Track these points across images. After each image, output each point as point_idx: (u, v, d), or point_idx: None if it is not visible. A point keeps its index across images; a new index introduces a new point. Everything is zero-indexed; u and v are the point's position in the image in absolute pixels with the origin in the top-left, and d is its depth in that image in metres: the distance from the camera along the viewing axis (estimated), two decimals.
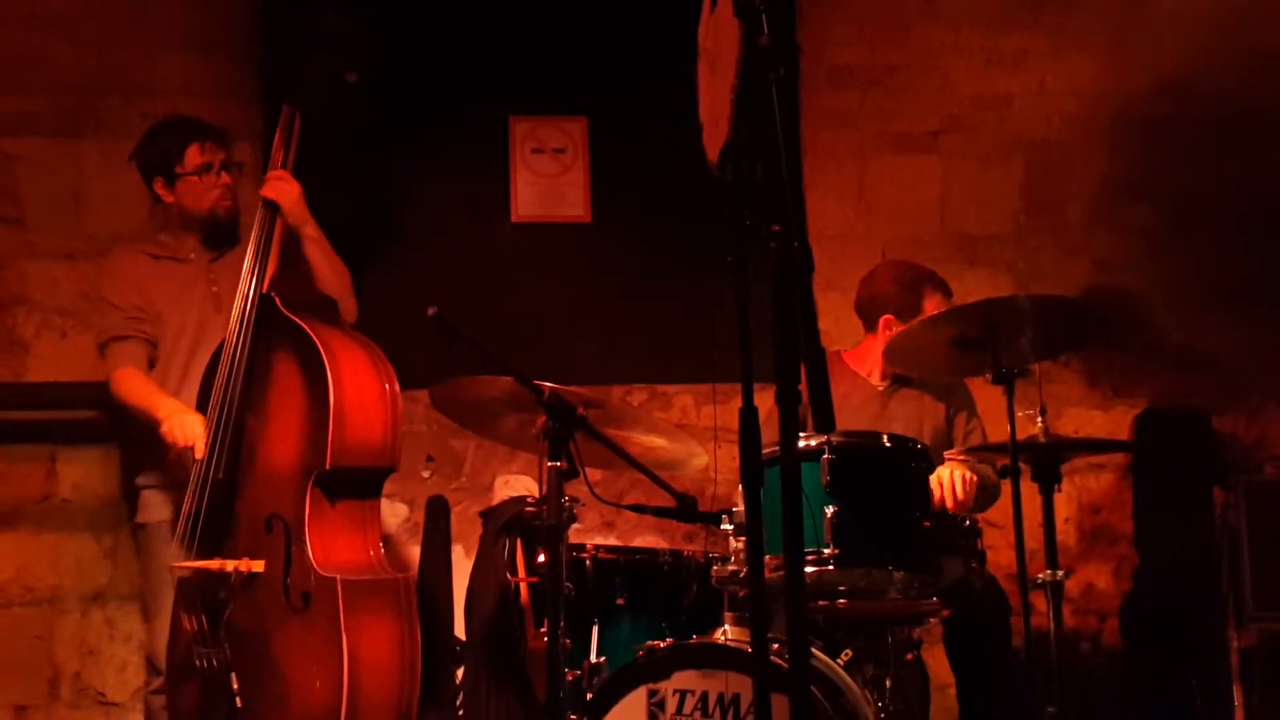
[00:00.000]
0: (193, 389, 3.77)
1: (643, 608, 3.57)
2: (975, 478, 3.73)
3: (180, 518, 3.61)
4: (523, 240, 4.86)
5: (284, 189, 3.82)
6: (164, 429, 3.65)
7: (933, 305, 4.06)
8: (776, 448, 2.21)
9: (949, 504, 3.63)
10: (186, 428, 3.61)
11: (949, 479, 3.66)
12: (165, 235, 4.04)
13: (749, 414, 2.24)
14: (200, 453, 3.58)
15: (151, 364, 3.92)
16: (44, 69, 4.72)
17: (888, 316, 4.10)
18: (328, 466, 3.46)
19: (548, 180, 4.89)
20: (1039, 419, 3.49)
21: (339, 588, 3.38)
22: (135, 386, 3.85)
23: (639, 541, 4.68)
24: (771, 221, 2.19)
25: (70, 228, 4.72)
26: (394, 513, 4.67)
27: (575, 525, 3.32)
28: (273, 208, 3.81)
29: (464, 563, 4.28)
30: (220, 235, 4.01)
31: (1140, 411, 5.01)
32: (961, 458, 3.76)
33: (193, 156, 3.93)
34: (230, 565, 3.49)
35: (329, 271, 3.91)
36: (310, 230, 3.88)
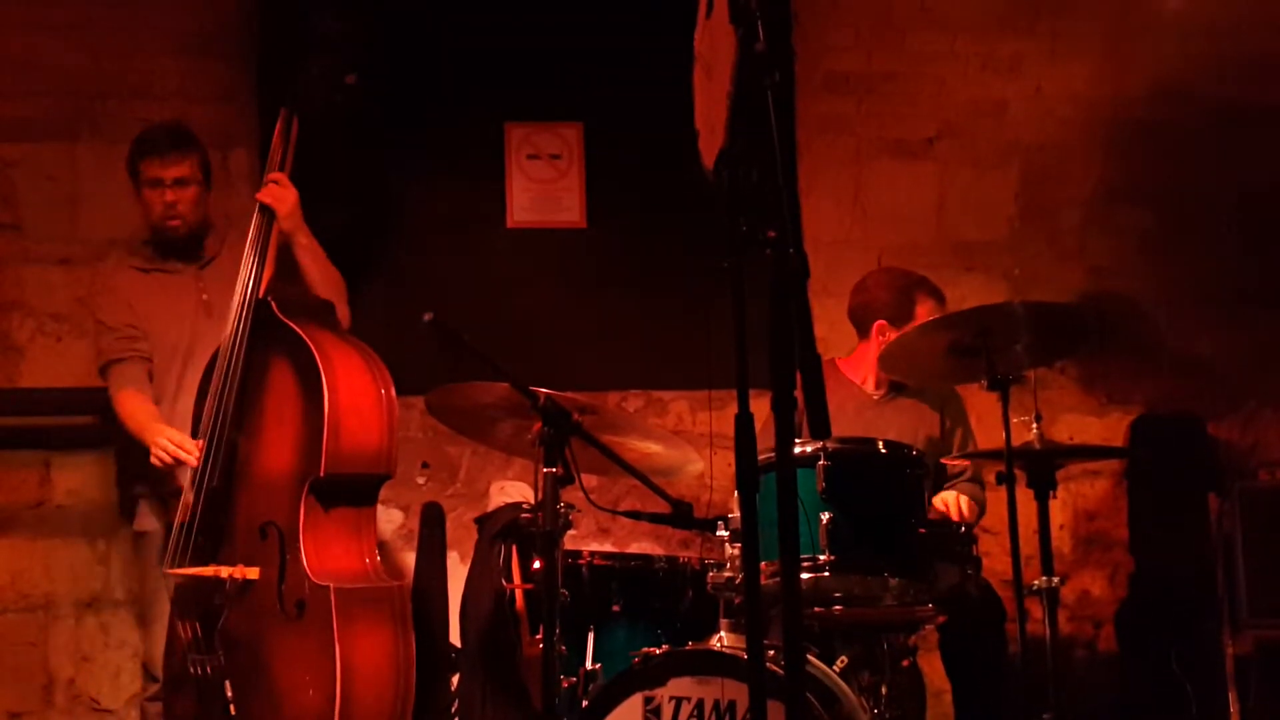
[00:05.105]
0: (187, 400, 3.76)
1: (638, 614, 3.57)
2: (977, 507, 3.81)
3: (175, 525, 3.60)
4: (518, 246, 4.85)
5: (280, 195, 3.81)
6: (151, 458, 3.66)
7: (925, 311, 4.06)
8: (772, 454, 2.21)
9: (952, 517, 3.69)
10: (170, 447, 3.61)
11: (954, 501, 3.71)
12: (151, 246, 4.03)
13: (745, 420, 2.24)
14: (194, 461, 3.57)
15: (151, 378, 3.92)
16: (40, 73, 4.71)
17: (881, 323, 4.10)
18: (322, 473, 3.45)
19: (543, 186, 4.89)
20: (1034, 425, 3.49)
21: (333, 596, 3.36)
22: (131, 411, 3.85)
23: (635, 548, 4.68)
24: (767, 227, 2.19)
25: (66, 233, 4.71)
26: (389, 519, 4.67)
27: (571, 531, 3.31)
28: (268, 213, 3.79)
29: (459, 569, 4.27)
30: (177, 249, 3.98)
31: (1135, 418, 5.01)
32: (960, 465, 3.78)
33: (148, 168, 3.91)
34: (225, 572, 3.47)
35: (321, 280, 3.89)
36: (303, 238, 3.86)
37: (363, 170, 4.73)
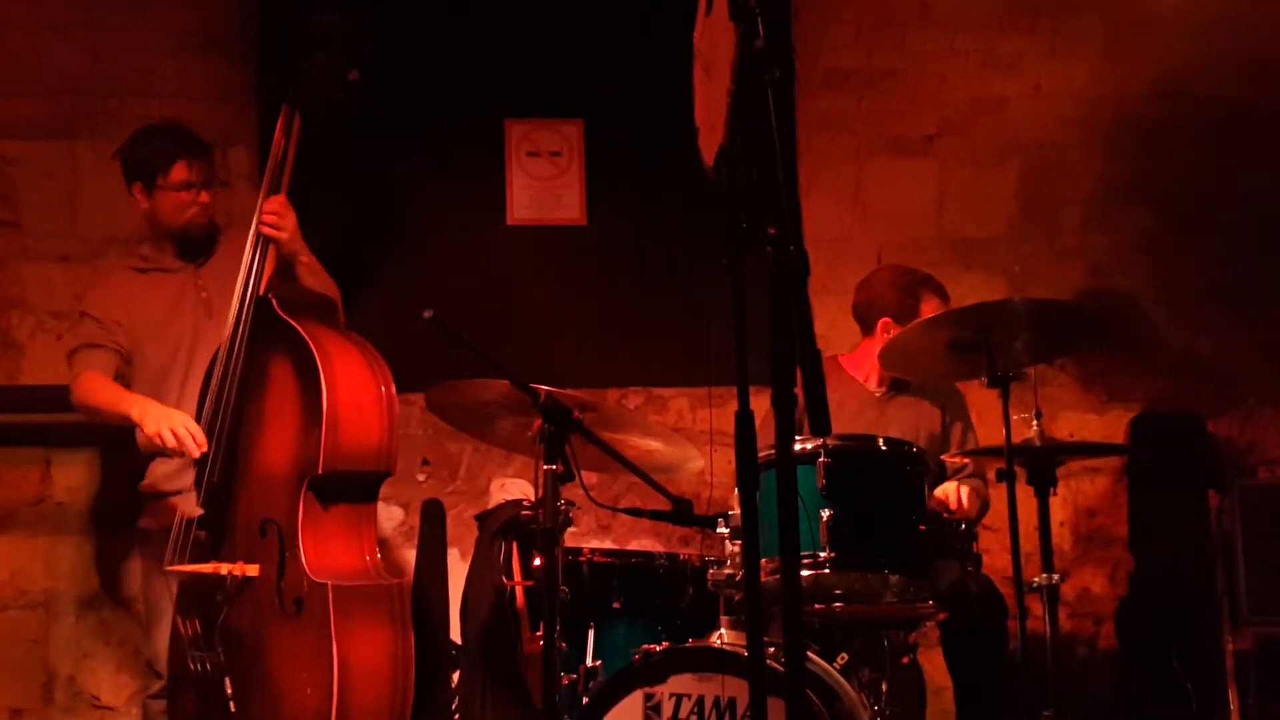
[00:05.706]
0: (193, 399, 3.75)
1: (639, 611, 3.57)
2: (978, 499, 3.81)
3: (176, 522, 3.60)
4: (518, 243, 4.86)
5: (280, 224, 3.74)
6: (152, 433, 3.61)
7: (930, 309, 4.06)
8: (772, 451, 2.21)
9: (951, 506, 3.68)
10: (181, 434, 3.57)
11: (954, 491, 3.72)
12: (147, 246, 4.00)
13: (745, 417, 2.24)
14: (195, 453, 3.56)
15: (118, 376, 3.86)
16: (40, 72, 4.71)
17: (885, 320, 4.10)
18: (321, 470, 3.44)
19: (543, 183, 4.89)
20: (1034, 422, 3.50)
21: (330, 593, 3.36)
22: (100, 389, 3.81)
23: (635, 545, 4.68)
24: (767, 225, 2.19)
25: (65, 230, 4.71)
26: (389, 516, 4.67)
27: (571, 529, 3.32)
28: (269, 241, 3.75)
29: (460, 567, 4.28)
30: (195, 248, 3.96)
31: (1135, 415, 5.01)
32: (960, 462, 3.78)
33: (179, 172, 3.86)
34: (225, 569, 3.47)
35: (317, 289, 3.88)
36: (304, 258, 3.84)
37: (364, 167, 4.73)
